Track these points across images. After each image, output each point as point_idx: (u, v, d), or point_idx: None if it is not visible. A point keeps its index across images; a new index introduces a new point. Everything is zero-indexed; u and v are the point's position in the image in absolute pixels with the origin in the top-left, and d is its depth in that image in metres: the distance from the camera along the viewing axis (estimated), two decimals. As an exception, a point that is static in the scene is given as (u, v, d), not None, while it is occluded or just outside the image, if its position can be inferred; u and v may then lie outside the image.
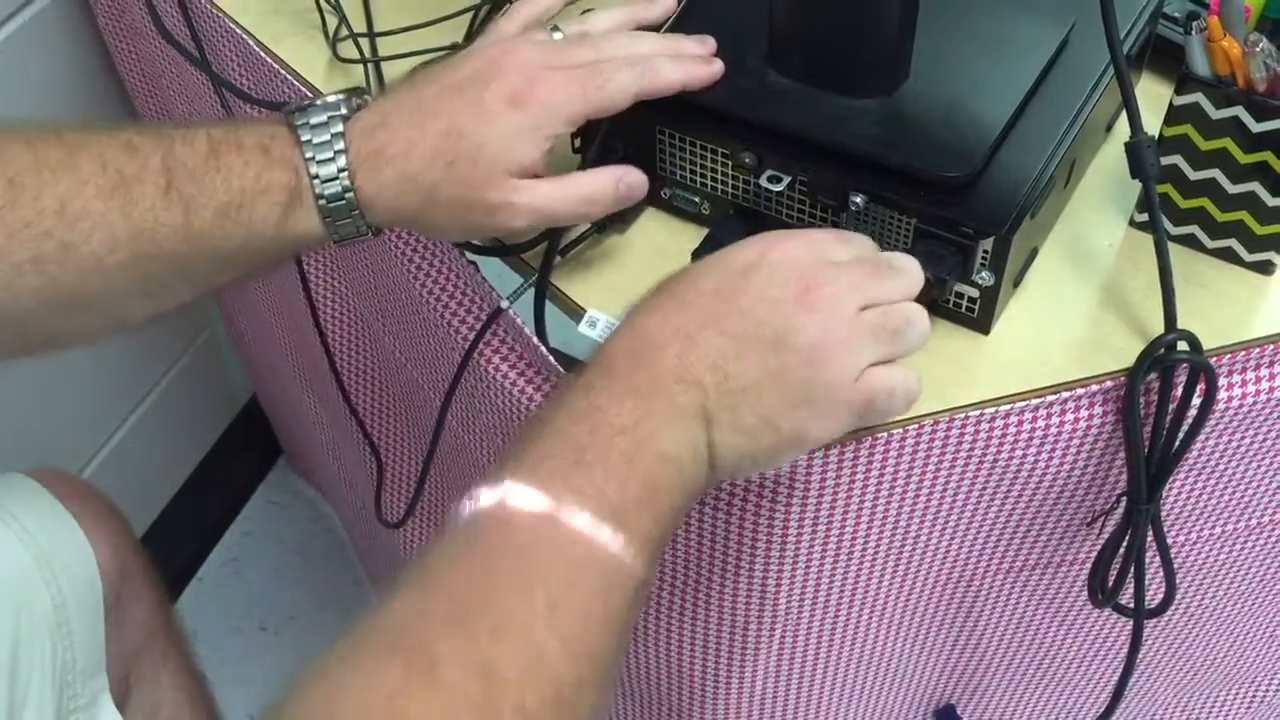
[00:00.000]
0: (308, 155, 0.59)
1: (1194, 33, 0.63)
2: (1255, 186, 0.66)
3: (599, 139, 0.67)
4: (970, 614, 0.80)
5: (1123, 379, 0.64)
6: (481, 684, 0.45)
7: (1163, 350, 0.63)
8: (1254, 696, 0.98)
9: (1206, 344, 0.63)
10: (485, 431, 0.76)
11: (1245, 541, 0.77)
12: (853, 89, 0.68)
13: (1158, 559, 0.70)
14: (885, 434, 0.62)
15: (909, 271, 0.58)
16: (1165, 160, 0.67)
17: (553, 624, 0.47)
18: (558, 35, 0.66)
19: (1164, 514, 0.70)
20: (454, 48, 0.79)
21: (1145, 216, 0.71)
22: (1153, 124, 0.66)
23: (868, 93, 0.68)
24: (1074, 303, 0.69)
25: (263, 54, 0.83)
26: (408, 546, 1.05)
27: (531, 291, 0.69)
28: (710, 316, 0.54)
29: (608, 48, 0.64)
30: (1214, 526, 0.75)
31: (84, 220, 0.57)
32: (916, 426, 0.63)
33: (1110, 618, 0.81)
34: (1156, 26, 0.75)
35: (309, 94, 0.80)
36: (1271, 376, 0.66)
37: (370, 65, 0.80)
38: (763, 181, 0.67)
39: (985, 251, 0.63)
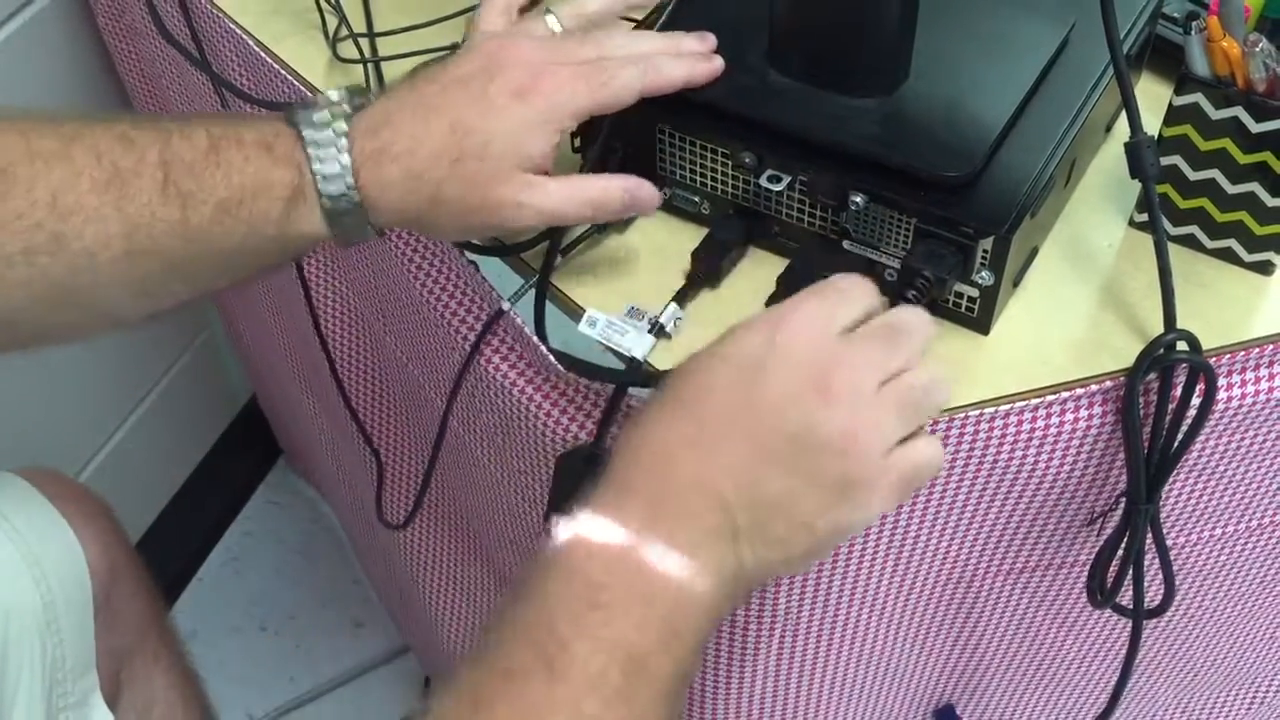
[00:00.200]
0: (310, 153, 0.58)
1: (1194, 33, 0.63)
2: (1255, 187, 0.66)
3: (601, 139, 0.67)
4: (970, 614, 0.80)
5: (1122, 379, 0.64)
6: None
7: (1162, 350, 0.63)
8: (1254, 698, 0.97)
9: (1206, 344, 0.63)
10: (485, 431, 0.76)
11: (1245, 542, 0.77)
12: (853, 88, 0.68)
13: (1157, 560, 0.70)
14: (885, 434, 0.62)
15: (918, 329, 0.55)
16: (1165, 160, 0.67)
17: None
18: (554, 25, 0.66)
19: (1163, 514, 0.70)
20: (454, 48, 0.79)
21: (1145, 216, 0.71)
22: (1152, 124, 0.66)
23: (868, 92, 0.68)
24: (1074, 303, 0.69)
25: (263, 54, 0.83)
26: (408, 547, 1.05)
27: (531, 291, 0.69)
28: (727, 423, 0.52)
29: (609, 45, 0.63)
30: (1213, 527, 0.75)
31: (77, 214, 0.56)
32: (916, 426, 0.63)
33: (1110, 618, 0.81)
34: (1156, 26, 0.75)
35: (309, 94, 0.80)
36: (1271, 377, 0.66)
37: (370, 65, 0.80)
38: (763, 181, 0.67)
39: (985, 251, 0.63)
